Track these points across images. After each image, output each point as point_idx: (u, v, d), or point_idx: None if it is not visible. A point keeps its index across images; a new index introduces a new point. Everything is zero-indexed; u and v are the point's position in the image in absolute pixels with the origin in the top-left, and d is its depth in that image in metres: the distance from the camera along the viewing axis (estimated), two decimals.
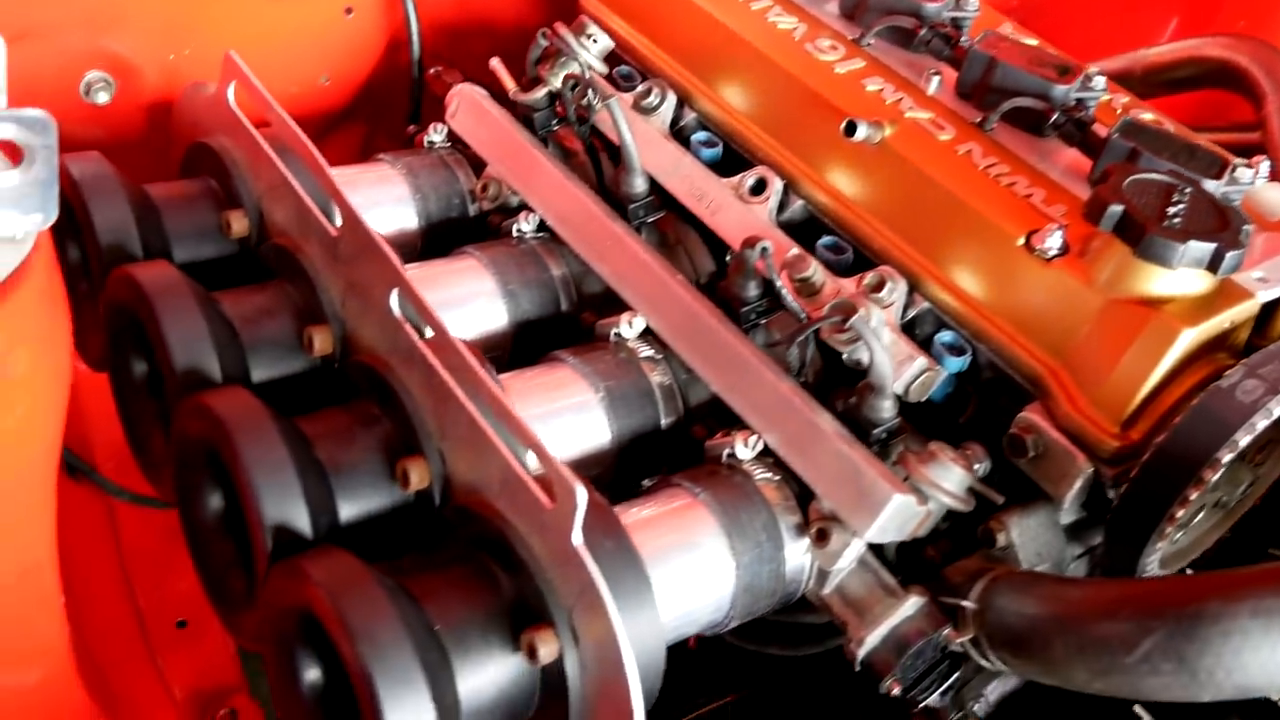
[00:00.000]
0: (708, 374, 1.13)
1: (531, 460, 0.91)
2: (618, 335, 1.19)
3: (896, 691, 1.07)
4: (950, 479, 1.06)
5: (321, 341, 1.08)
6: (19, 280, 0.75)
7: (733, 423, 1.13)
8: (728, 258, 1.30)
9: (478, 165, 1.39)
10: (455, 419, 0.96)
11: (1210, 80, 1.71)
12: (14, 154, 0.76)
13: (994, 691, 1.25)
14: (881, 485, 1.01)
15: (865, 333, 1.05)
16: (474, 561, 0.94)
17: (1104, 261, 1.06)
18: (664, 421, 1.17)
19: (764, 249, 1.12)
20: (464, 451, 0.96)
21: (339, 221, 1.07)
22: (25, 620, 0.93)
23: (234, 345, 1.07)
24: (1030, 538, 1.13)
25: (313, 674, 0.93)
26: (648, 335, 1.19)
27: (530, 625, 0.89)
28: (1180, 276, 1.04)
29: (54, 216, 0.78)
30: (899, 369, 1.10)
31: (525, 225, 1.30)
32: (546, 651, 0.87)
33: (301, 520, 0.92)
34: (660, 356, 1.18)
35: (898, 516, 1.02)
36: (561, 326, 1.27)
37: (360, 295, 1.06)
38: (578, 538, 0.85)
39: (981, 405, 1.18)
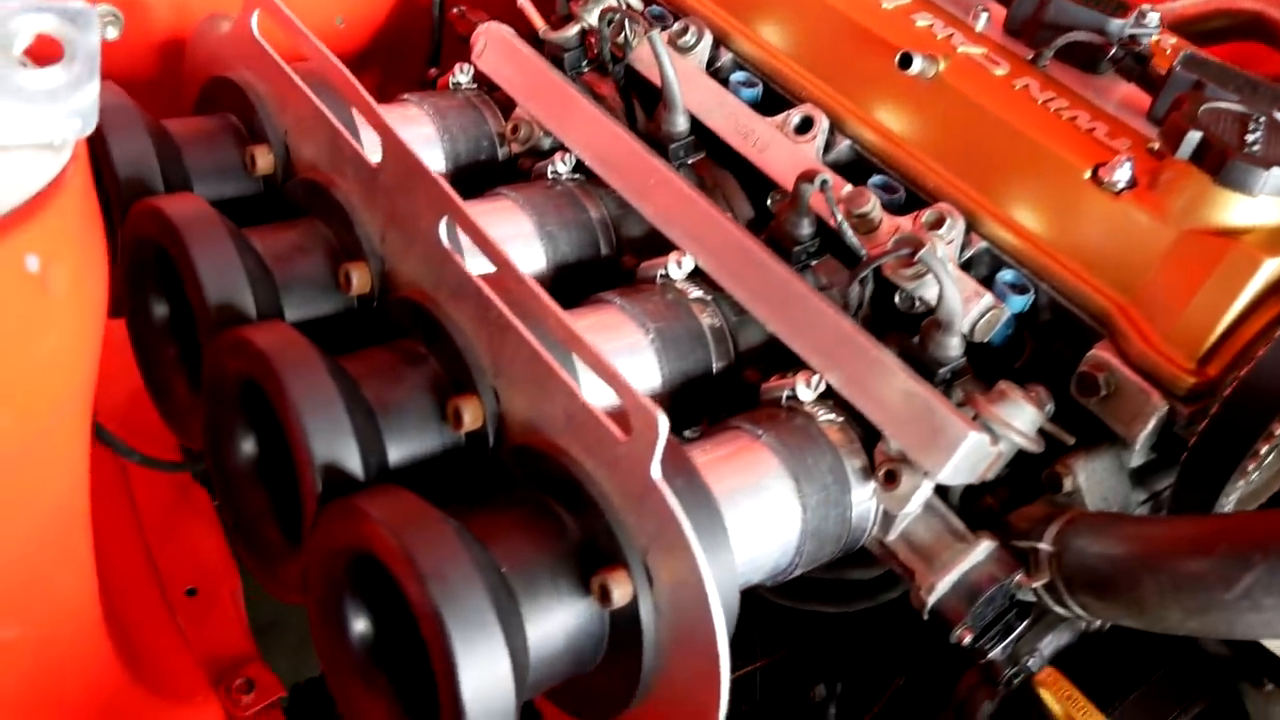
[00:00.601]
0: (764, 313, 1.08)
1: (596, 394, 0.85)
2: (665, 276, 1.13)
3: (967, 640, 1.03)
4: (1022, 418, 1.02)
5: (359, 279, 1.02)
6: (57, 191, 0.68)
7: (786, 366, 1.08)
8: (769, 202, 1.25)
9: (505, 108, 1.33)
10: (513, 353, 0.90)
11: (1241, 32, 1.68)
12: (53, 50, 0.70)
13: (1048, 645, 1.22)
14: (955, 423, 0.96)
15: (935, 265, 1.00)
16: (536, 503, 0.89)
17: (1179, 191, 1.02)
18: (716, 365, 1.12)
19: (824, 181, 1.07)
20: (522, 388, 0.91)
21: (378, 155, 1.01)
22: (57, 565, 0.86)
23: (267, 282, 1.01)
24: (1096, 482, 1.09)
25: (361, 624, 0.87)
26: (696, 276, 1.14)
27: (601, 567, 0.83)
28: (1260, 205, 1.00)
29: (94, 123, 0.72)
30: (965, 306, 1.05)
31: (561, 166, 1.25)
32: (620, 594, 0.82)
33: (352, 459, 0.86)
34: (710, 298, 1.13)
35: (971, 456, 0.98)
36: (601, 270, 1.22)
37: (403, 228, 1.00)
38: (656, 471, 0.80)
39: (1038, 350, 1.14)
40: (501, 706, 0.76)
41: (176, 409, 1.07)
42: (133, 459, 1.34)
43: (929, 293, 1.06)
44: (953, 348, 1.04)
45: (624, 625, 0.85)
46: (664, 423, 0.78)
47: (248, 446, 0.97)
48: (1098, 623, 1.20)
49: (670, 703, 0.85)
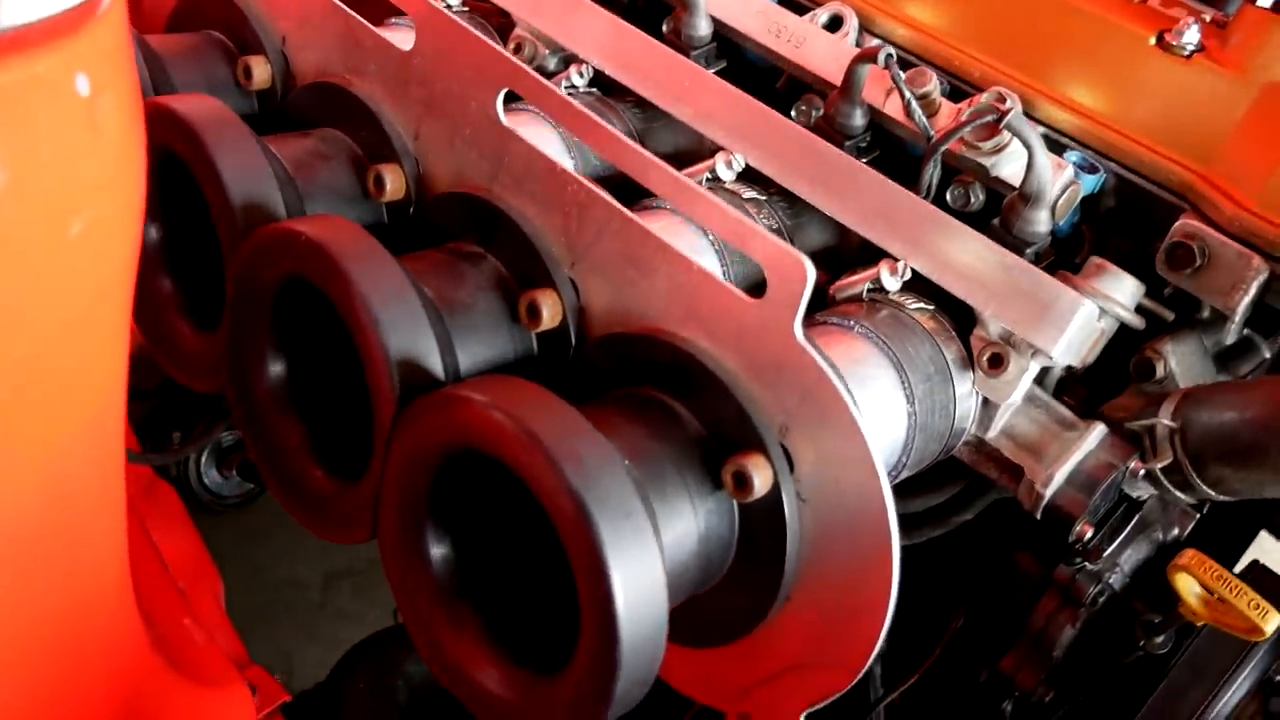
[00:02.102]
0: (832, 205, 0.99)
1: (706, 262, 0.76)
2: (713, 178, 1.04)
3: (1088, 535, 0.95)
4: (1123, 291, 0.95)
5: (394, 181, 0.91)
6: (95, 7, 0.56)
7: (849, 266, 1.00)
8: (792, 115, 1.17)
9: (502, 31, 1.23)
10: (599, 231, 0.80)
11: None
12: None
13: (1128, 560, 1.15)
14: (1067, 294, 0.89)
15: (1024, 129, 0.93)
16: (640, 397, 0.78)
17: (1260, 42, 0.97)
18: None
19: (889, 55, 0.99)
20: (609, 271, 0.80)
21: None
22: (89, 491, 0.72)
23: (291, 190, 0.88)
24: (1187, 367, 1.03)
25: (447, 547, 0.75)
26: (745, 178, 1.05)
27: (732, 453, 0.73)
28: None
29: None
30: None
31: (577, 80, 1.15)
32: (761, 480, 0.72)
33: (430, 355, 0.74)
34: (764, 198, 1.04)
35: (1083, 330, 0.90)
36: (631, 185, 1.11)
37: (445, 116, 0.89)
38: (799, 330, 0.70)
39: (1097, 244, 1.08)
40: (655, 612, 0.65)
41: (177, 349, 0.93)
42: None
43: (1008, 169, 0.99)
44: (1041, 223, 0.96)
45: (759, 521, 0.74)
46: (810, 271, 0.68)
47: (280, 370, 0.84)
48: (1175, 531, 1.14)
49: (817, 608, 0.75)
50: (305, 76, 1.00)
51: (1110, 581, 1.15)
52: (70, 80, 0.54)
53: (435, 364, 0.74)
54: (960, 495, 1.10)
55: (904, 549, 1.21)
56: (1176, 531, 1.13)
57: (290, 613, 2.50)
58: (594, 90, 1.15)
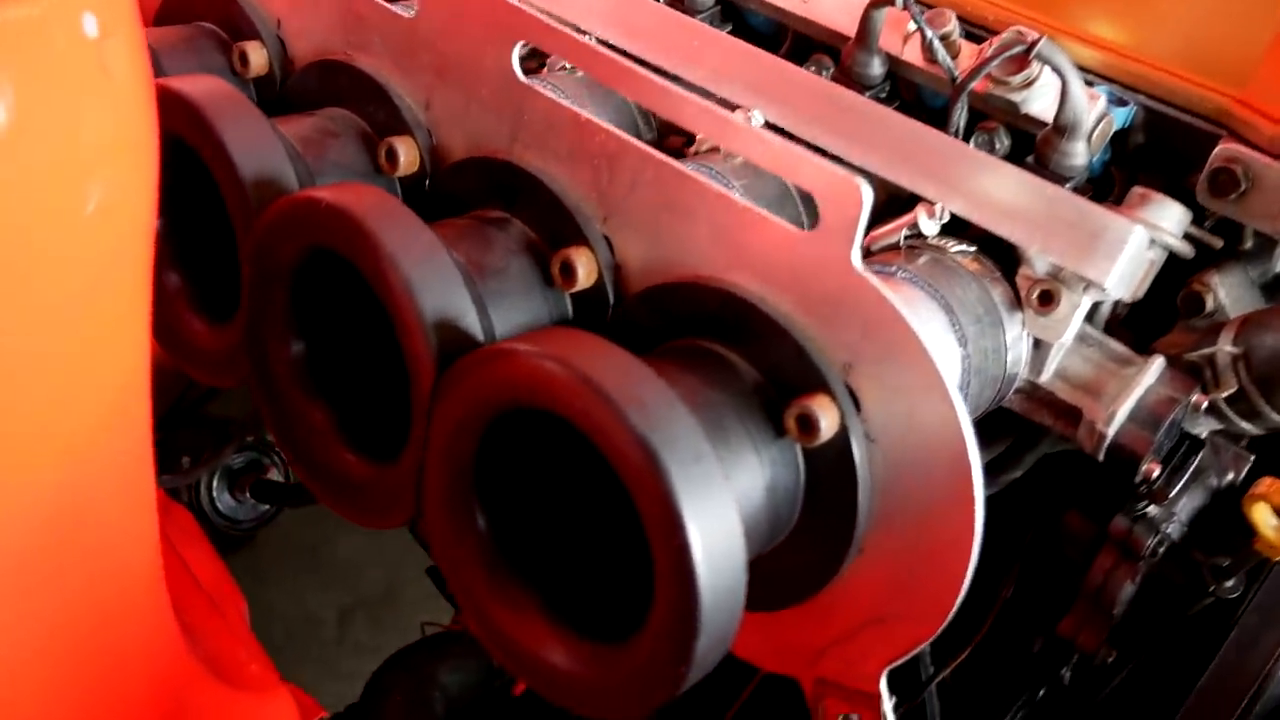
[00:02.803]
0: (858, 152, 0.95)
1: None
2: None
3: (1156, 474, 0.91)
4: (1170, 218, 0.92)
5: (407, 153, 0.87)
6: None
7: (879, 219, 0.96)
8: None
9: None
10: (632, 181, 0.76)
11: None
12: None
13: (1184, 509, 1.11)
14: (1117, 221, 0.85)
15: (1057, 58, 0.89)
16: (689, 348, 0.74)
17: None
18: (808, 225, 0.98)
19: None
20: (645, 222, 0.76)
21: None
22: (117, 474, 0.68)
23: (302, 167, 0.84)
24: (1236, 298, 0.99)
25: (491, 522, 0.71)
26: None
27: (794, 397, 0.69)
28: None
29: None
30: None
31: None
32: (827, 422, 0.68)
33: (468, 315, 0.70)
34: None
35: (1136, 259, 0.86)
36: None
37: (458, 79, 0.85)
38: (858, 258, 0.67)
39: (1129, 182, 1.05)
40: (734, 561, 0.61)
41: (190, 345, 0.89)
42: None
43: (1039, 104, 0.96)
44: (1078, 155, 0.93)
45: (826, 468, 0.70)
46: (867, 193, 0.65)
47: (303, 351, 0.79)
48: (1229, 476, 1.10)
49: (894, 556, 0.71)
50: (303, 60, 0.96)
51: (1168, 531, 1.11)
52: (78, 20, 0.50)
53: (473, 325, 0.70)
54: (1009, 451, 1.06)
55: None
56: (1232, 476, 1.09)
57: (306, 649, 2.45)
58: None
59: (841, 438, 0.69)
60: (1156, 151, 1.02)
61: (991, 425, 1.02)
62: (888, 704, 0.72)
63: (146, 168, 0.60)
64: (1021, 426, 1.00)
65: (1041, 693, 1.25)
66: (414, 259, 0.69)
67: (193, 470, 1.44)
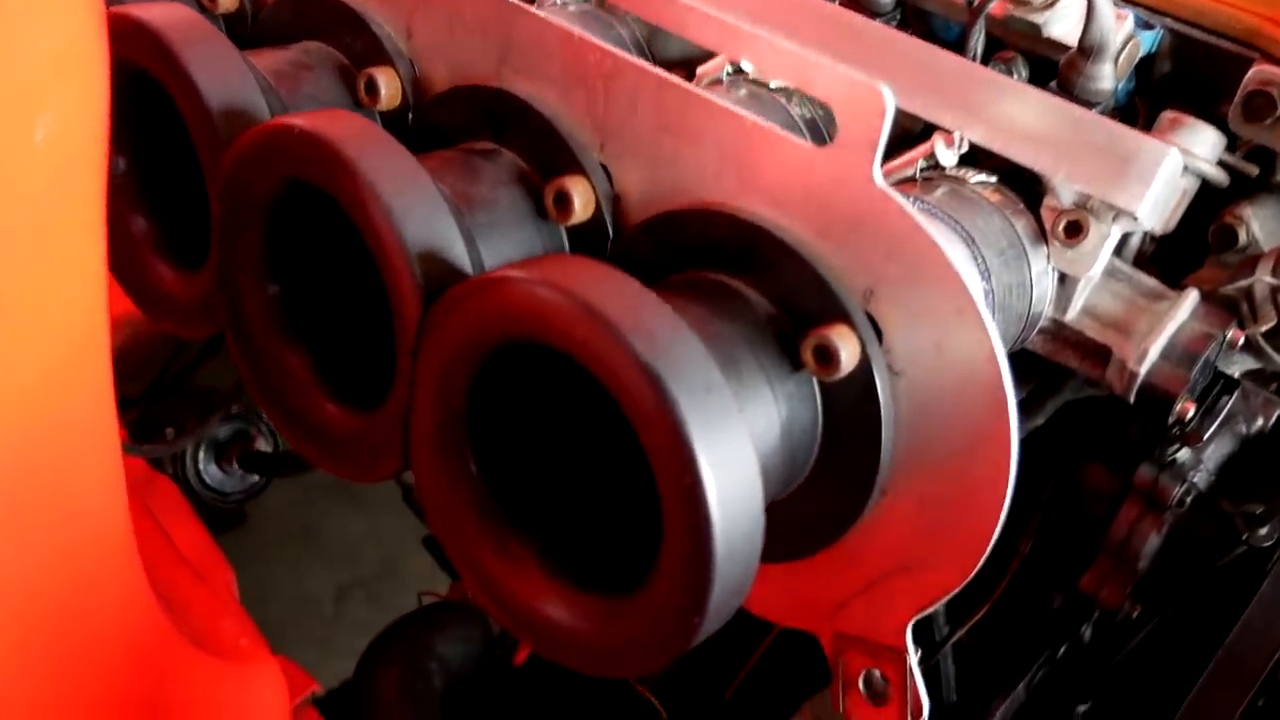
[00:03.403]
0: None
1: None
2: (734, 71, 0.95)
3: (1190, 414, 0.86)
4: (1203, 143, 0.87)
5: (388, 84, 0.81)
6: None
7: (895, 151, 0.90)
8: None
9: None
10: (629, 102, 0.70)
11: None
12: None
13: (1212, 458, 1.06)
14: (1149, 143, 0.80)
15: None
16: (695, 280, 0.69)
17: None
18: None
19: None
20: (645, 147, 0.71)
21: None
22: (76, 442, 0.62)
23: (276, 99, 0.78)
24: (1270, 231, 0.94)
25: (487, 471, 0.66)
26: None
27: (811, 327, 0.64)
28: None
29: None
30: None
31: None
32: (848, 353, 0.62)
33: (454, 245, 0.65)
34: (790, 85, 0.94)
35: (1170, 184, 0.81)
36: None
37: (439, 3, 0.79)
38: (878, 172, 0.61)
39: (1153, 114, 0.99)
40: (750, 501, 0.56)
41: (163, 295, 0.83)
42: None
43: (1061, 26, 0.90)
44: (1105, 78, 0.87)
45: (847, 404, 0.65)
46: (889, 100, 0.59)
47: (278, 294, 0.74)
48: (1259, 422, 1.05)
49: (919, 499, 0.65)
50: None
51: (1195, 480, 1.06)
52: None
53: (461, 256, 0.65)
54: (1030, 397, 1.01)
55: None
56: (1261, 422, 1.04)
57: (304, 629, 2.41)
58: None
59: (863, 370, 0.63)
60: (1184, 78, 0.97)
61: (1013, 369, 0.97)
62: (913, 658, 0.67)
63: (97, 93, 0.55)
64: (1044, 371, 0.95)
65: (1061, 651, 1.21)
66: (395, 185, 0.64)
67: (177, 440, 1.39)
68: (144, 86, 0.78)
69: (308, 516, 2.55)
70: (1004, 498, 0.62)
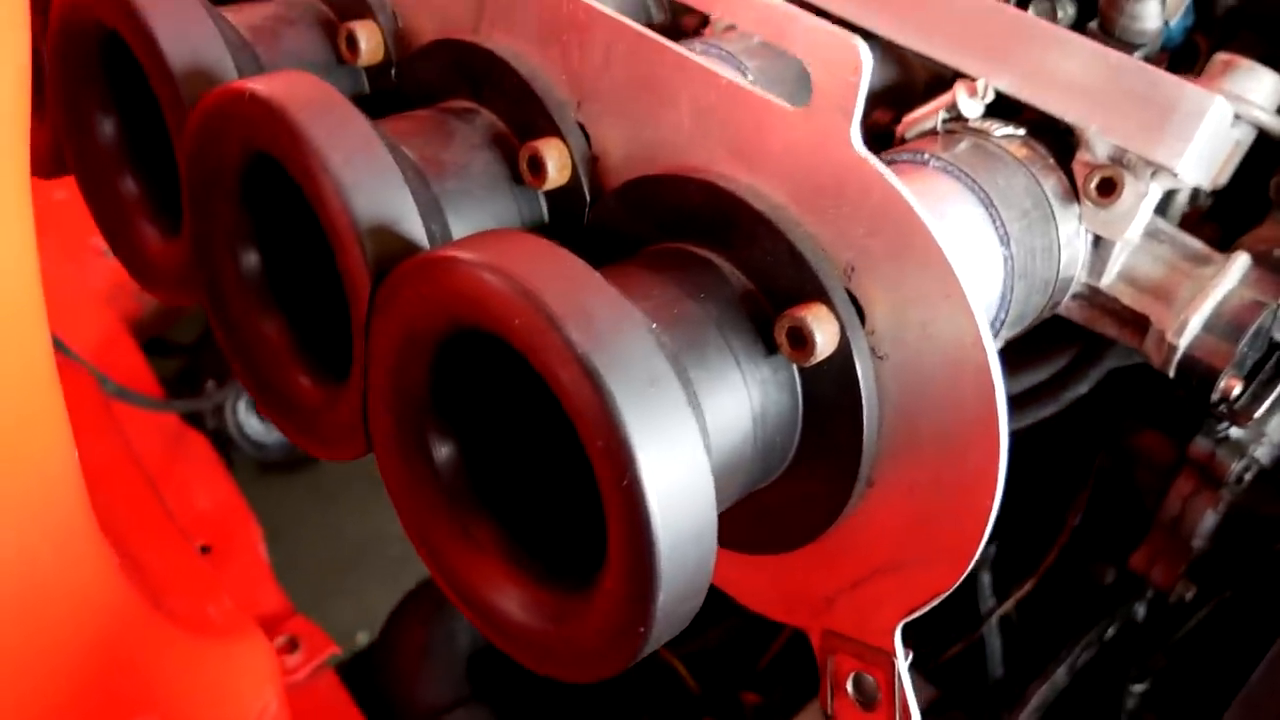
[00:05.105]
0: (886, 24, 0.83)
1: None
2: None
3: (1237, 390, 0.79)
4: (1261, 89, 0.78)
5: (369, 39, 0.77)
6: None
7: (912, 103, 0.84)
8: None
9: None
10: (605, 57, 0.65)
11: None
12: None
13: (1277, 431, 0.99)
14: (1193, 92, 0.72)
15: None
16: (671, 252, 0.64)
17: None
18: None
19: None
20: (623, 104, 0.66)
21: None
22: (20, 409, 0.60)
23: (250, 59, 0.75)
24: None
25: (451, 447, 0.62)
26: None
27: (787, 306, 0.58)
28: None
29: None
30: None
31: None
32: (824, 336, 0.57)
33: (407, 219, 0.61)
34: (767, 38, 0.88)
35: (1215, 138, 0.73)
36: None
37: None
38: (856, 135, 0.55)
39: (1215, 50, 0.90)
40: (698, 501, 0.51)
41: (149, 261, 0.81)
42: (109, 390, 1.06)
43: None
44: (1150, 17, 0.79)
45: (828, 389, 0.60)
46: (865, 54, 0.53)
47: (253, 260, 0.71)
48: None
49: (907, 491, 0.60)
50: None
51: (1256, 455, 0.98)
52: None
53: (416, 230, 0.61)
54: (1071, 365, 0.94)
55: (1010, 435, 1.06)
56: None
57: (372, 569, 2.45)
58: None
59: (843, 354, 0.58)
60: (1250, 14, 0.88)
61: (1051, 334, 0.91)
62: (902, 663, 0.63)
63: (16, 65, 0.51)
64: (1086, 336, 0.88)
65: (1112, 631, 1.14)
66: (345, 155, 0.60)
67: (216, 392, 1.38)
68: (126, 47, 0.75)
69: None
70: (994, 492, 0.56)
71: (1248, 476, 0.97)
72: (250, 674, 0.83)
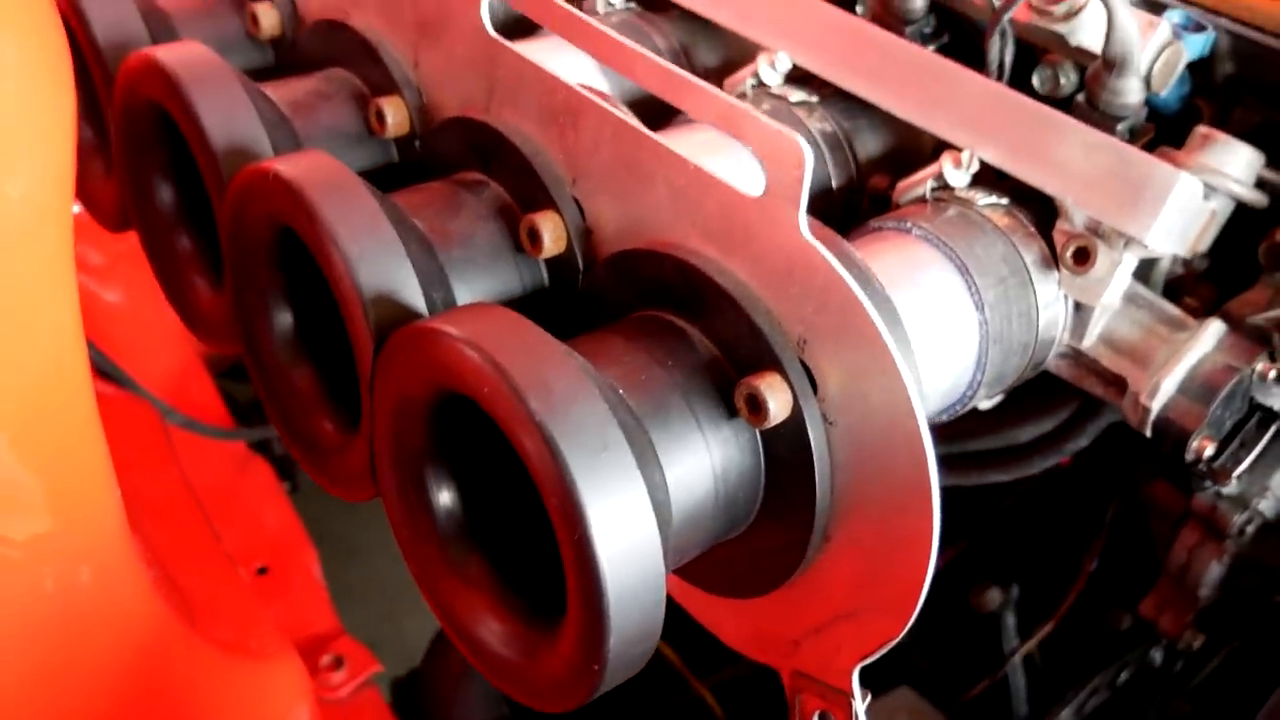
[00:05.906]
0: (885, 96, 0.88)
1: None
2: (757, 82, 0.94)
3: (1209, 452, 0.82)
4: (1237, 163, 0.81)
5: (395, 115, 0.84)
6: None
7: (915, 167, 0.88)
8: (857, 8, 1.05)
9: None
10: (594, 139, 0.71)
11: None
12: None
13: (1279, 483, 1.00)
14: (1160, 168, 0.76)
15: None
16: (648, 319, 0.69)
17: None
18: (834, 179, 0.92)
19: None
20: (610, 183, 0.72)
21: None
22: (63, 425, 0.68)
23: (286, 132, 0.83)
24: None
25: (449, 495, 0.69)
26: (793, 82, 0.94)
27: (746, 374, 0.64)
28: None
29: None
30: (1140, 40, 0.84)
31: None
32: (777, 403, 0.62)
33: (409, 287, 0.68)
34: (815, 100, 0.93)
35: (1184, 211, 0.77)
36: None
37: (437, 38, 0.82)
38: (803, 222, 0.61)
39: (1219, 116, 0.93)
40: (645, 555, 0.57)
41: (200, 312, 0.90)
42: (175, 421, 1.16)
43: (1088, 34, 0.86)
44: (1131, 93, 0.83)
45: (785, 451, 0.65)
46: (806, 152, 0.58)
47: (285, 317, 0.79)
48: None
49: (860, 547, 0.65)
50: (312, 16, 0.95)
51: (1260, 508, 1.00)
52: None
53: (415, 299, 0.68)
54: (1072, 419, 0.98)
55: (1025, 484, 1.10)
56: None
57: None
58: (632, 5, 1.07)
59: (796, 419, 0.63)
60: (1250, 81, 0.90)
61: (1053, 391, 0.94)
62: (859, 704, 0.67)
63: (63, 153, 0.59)
64: (1083, 392, 0.91)
65: (1125, 675, 1.16)
66: (351, 230, 0.67)
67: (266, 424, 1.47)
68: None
69: None
70: (929, 549, 0.61)
71: (1250, 529, 0.99)
72: (283, 692, 0.90)
